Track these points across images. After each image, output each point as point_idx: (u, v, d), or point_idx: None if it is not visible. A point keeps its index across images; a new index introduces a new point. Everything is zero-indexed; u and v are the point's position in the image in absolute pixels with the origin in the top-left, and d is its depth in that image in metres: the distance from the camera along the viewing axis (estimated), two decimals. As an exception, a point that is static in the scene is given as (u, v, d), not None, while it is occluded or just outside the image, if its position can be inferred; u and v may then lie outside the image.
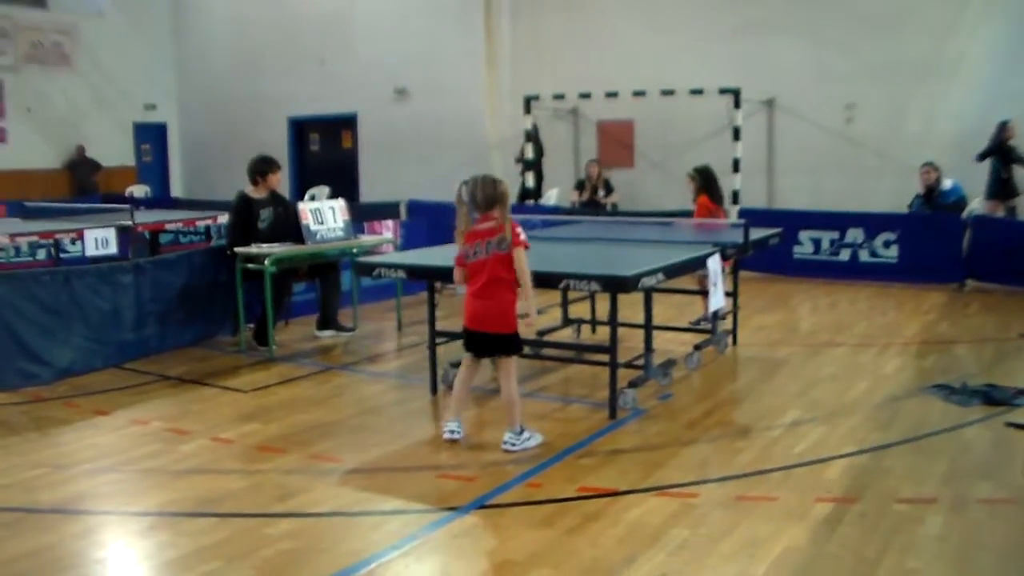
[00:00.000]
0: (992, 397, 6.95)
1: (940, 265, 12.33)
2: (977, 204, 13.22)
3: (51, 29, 21.61)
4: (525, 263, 5.94)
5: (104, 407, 7.11)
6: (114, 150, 22.57)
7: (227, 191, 9.66)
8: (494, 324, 5.99)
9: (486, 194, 5.92)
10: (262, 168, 9.30)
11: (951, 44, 14.44)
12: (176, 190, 23.86)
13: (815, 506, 5.01)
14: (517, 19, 18.73)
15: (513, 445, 6.00)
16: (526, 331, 6.19)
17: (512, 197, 16.74)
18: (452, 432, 6.17)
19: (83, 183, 21.20)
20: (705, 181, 9.81)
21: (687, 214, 10.43)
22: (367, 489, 5.39)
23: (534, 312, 6.09)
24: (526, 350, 7.55)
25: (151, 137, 23.92)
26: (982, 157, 13.06)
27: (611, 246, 8.41)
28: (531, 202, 16.41)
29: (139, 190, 20.71)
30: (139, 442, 6.29)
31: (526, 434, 6.05)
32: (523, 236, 5.95)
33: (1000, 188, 13.17)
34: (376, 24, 20.30)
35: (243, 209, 9.19)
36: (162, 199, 20.57)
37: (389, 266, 7.24)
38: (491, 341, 6.05)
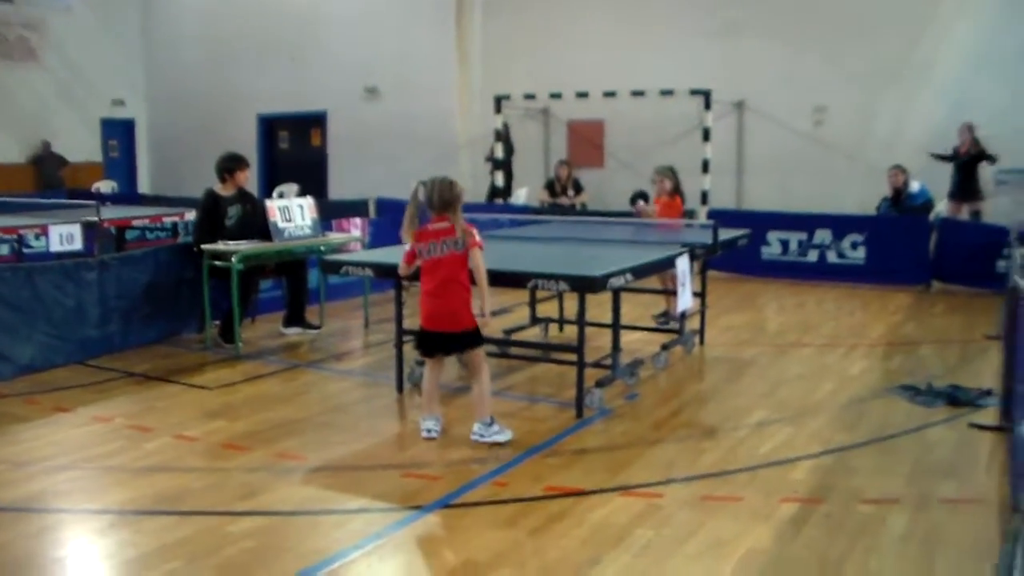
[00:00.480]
0: (956, 398, 7.00)
1: (907, 267, 12.45)
2: (943, 207, 13.33)
3: (17, 23, 21.38)
4: (482, 263, 5.99)
5: (65, 404, 7.01)
6: (81, 145, 22.37)
7: (196, 188, 9.61)
8: (454, 322, 6.03)
9: (442, 196, 5.99)
10: (229, 165, 9.24)
11: (921, 48, 14.56)
12: (144, 186, 23.67)
13: (780, 507, 5.02)
14: (489, 18, 18.70)
15: (482, 436, 6.04)
16: (482, 331, 6.20)
17: (481, 196, 16.84)
18: (430, 431, 6.20)
19: (48, 178, 20.99)
20: (677, 181, 9.78)
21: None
22: (331, 488, 5.35)
23: (489, 313, 6.11)
24: (493, 349, 7.61)
25: (119, 133, 23.72)
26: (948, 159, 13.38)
27: (580, 246, 8.40)
28: (500, 201, 16.38)
29: (106, 186, 20.48)
30: (101, 439, 6.21)
31: (496, 427, 6.07)
32: (478, 237, 6.01)
33: (956, 189, 13.42)
34: (348, 22, 20.22)
35: (210, 206, 9.12)
36: (129, 195, 20.37)
37: (356, 264, 7.21)
38: (453, 339, 6.08)
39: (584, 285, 6.31)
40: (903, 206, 13.28)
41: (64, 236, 10.01)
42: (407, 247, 6.18)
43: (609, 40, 16.93)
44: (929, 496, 5.19)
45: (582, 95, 15.99)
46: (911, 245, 12.50)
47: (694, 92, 15.03)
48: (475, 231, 6.02)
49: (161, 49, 23.60)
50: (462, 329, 6.03)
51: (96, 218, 10.75)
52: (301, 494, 5.26)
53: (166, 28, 23.48)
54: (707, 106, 15.00)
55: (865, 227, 12.95)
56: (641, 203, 9.95)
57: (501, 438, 6.04)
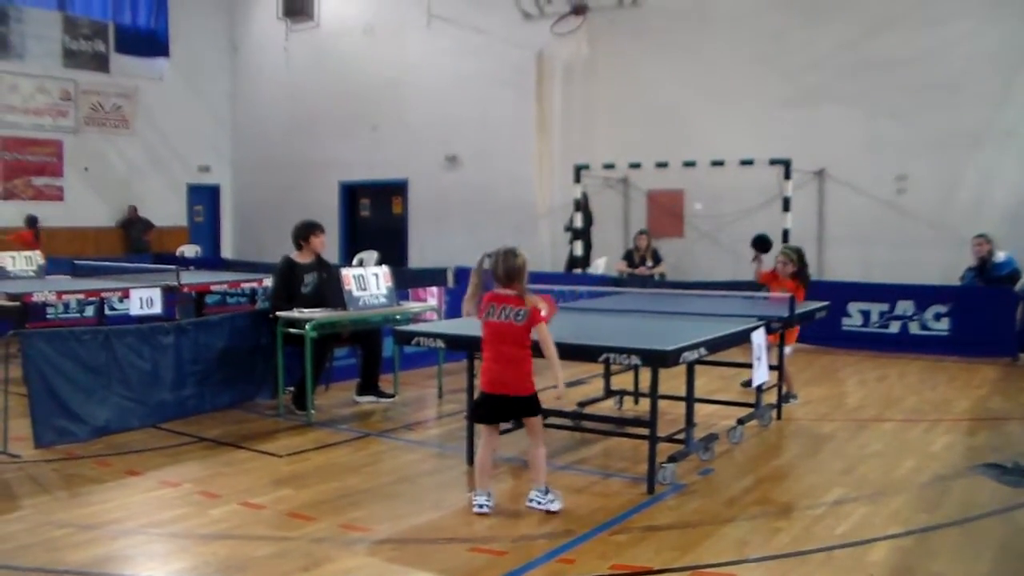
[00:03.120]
0: (1045, 479, 6.73)
1: (993, 339, 12.14)
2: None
3: (112, 92, 22.08)
4: (549, 338, 5.96)
5: (136, 467, 7.07)
6: (167, 210, 22.97)
7: (278, 253, 9.76)
8: (513, 387, 6.02)
9: (507, 267, 6.01)
10: (303, 232, 9.36)
11: (1003, 113, 14.29)
12: (227, 251, 24.14)
13: (856, 591, 4.83)
14: (568, 88, 18.82)
15: (539, 503, 6.09)
16: (557, 404, 6.21)
17: (560, 265, 16.81)
18: (481, 507, 6.13)
19: (135, 242, 21.53)
20: (802, 264, 9.50)
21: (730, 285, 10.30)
22: (395, 560, 5.27)
23: (563, 385, 6.09)
24: (566, 421, 7.55)
25: (204, 198, 24.29)
26: None
27: (656, 318, 8.28)
28: (579, 271, 16.35)
29: (190, 250, 20.93)
30: (168, 504, 6.23)
31: (551, 495, 6.10)
32: (544, 312, 5.99)
33: None
34: (429, 91, 20.53)
35: (286, 273, 9.22)
36: (213, 260, 20.78)
37: (428, 335, 7.15)
38: (511, 404, 6.08)
39: (656, 359, 6.19)
40: (988, 276, 12.95)
41: (144, 300, 10.15)
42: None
43: (688, 109, 16.92)
44: (1016, 584, 4.97)
45: (661, 165, 15.97)
46: (997, 316, 12.18)
47: (773, 161, 14.93)
48: (543, 305, 6.01)
49: (247, 117, 24.19)
50: (521, 394, 6.02)
51: (176, 283, 10.91)
52: (364, 567, 5.18)
53: (252, 97, 24.08)
54: (787, 175, 14.88)
55: (949, 298, 12.66)
56: (761, 257, 9.88)
57: (554, 507, 6.07)
